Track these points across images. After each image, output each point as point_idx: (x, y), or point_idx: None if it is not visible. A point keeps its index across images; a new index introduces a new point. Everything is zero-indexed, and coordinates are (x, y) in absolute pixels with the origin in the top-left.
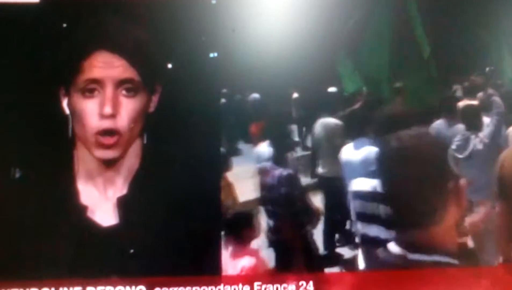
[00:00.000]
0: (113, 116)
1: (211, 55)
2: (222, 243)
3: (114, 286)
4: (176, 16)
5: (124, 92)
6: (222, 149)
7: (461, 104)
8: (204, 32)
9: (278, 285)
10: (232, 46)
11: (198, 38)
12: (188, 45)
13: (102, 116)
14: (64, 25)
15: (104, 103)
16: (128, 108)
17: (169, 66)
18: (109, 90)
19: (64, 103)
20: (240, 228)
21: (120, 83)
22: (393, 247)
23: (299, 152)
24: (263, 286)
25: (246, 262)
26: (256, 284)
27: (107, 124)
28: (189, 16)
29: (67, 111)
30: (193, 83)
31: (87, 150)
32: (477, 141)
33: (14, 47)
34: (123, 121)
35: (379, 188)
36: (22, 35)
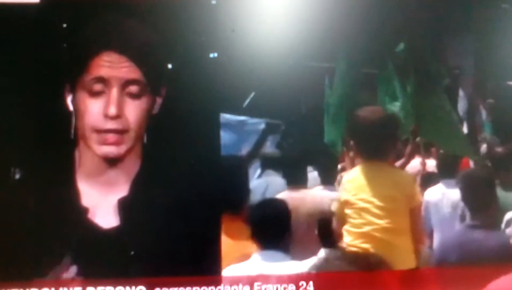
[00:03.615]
0: (117, 117)
1: (211, 55)
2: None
3: (114, 287)
4: (176, 16)
5: (129, 93)
6: None
7: None
8: (204, 32)
9: (278, 285)
10: (232, 46)
11: (198, 38)
12: (188, 45)
13: (107, 116)
14: (64, 25)
15: (109, 103)
16: (133, 109)
17: (169, 66)
18: (114, 90)
19: (69, 100)
20: None
21: (126, 84)
22: None
23: None
24: (263, 286)
25: None
26: (256, 284)
27: (111, 125)
28: (189, 16)
29: (71, 108)
30: (193, 83)
31: (90, 148)
32: None
33: (13, 46)
34: (127, 122)
35: None
36: (22, 35)
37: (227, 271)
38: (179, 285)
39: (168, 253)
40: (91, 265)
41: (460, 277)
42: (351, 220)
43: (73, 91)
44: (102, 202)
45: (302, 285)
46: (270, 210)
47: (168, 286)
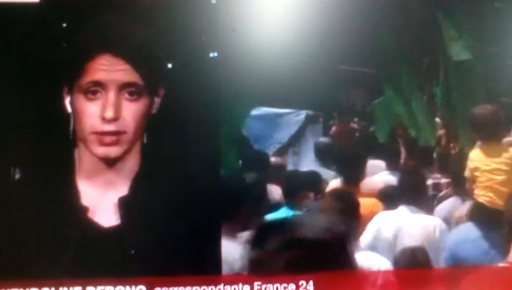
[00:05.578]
0: (115, 119)
1: (211, 55)
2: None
3: (114, 286)
4: (176, 16)
5: (127, 95)
6: None
7: None
8: (204, 32)
9: (278, 285)
10: (232, 46)
11: (198, 38)
12: (188, 45)
13: (104, 119)
14: (64, 25)
15: (106, 106)
16: (131, 111)
17: (169, 66)
18: (111, 93)
19: (67, 101)
20: None
21: (123, 87)
22: None
23: None
24: (263, 286)
25: None
26: (256, 284)
27: (108, 127)
28: (189, 16)
29: (69, 109)
30: (193, 83)
31: (89, 149)
32: None
33: (13, 46)
34: (125, 123)
35: None
36: (21, 35)
37: (379, 217)
38: (179, 285)
39: (169, 252)
40: (91, 264)
41: None
42: (479, 179)
43: (71, 93)
44: (102, 201)
45: (302, 284)
46: (413, 177)
47: (168, 286)
